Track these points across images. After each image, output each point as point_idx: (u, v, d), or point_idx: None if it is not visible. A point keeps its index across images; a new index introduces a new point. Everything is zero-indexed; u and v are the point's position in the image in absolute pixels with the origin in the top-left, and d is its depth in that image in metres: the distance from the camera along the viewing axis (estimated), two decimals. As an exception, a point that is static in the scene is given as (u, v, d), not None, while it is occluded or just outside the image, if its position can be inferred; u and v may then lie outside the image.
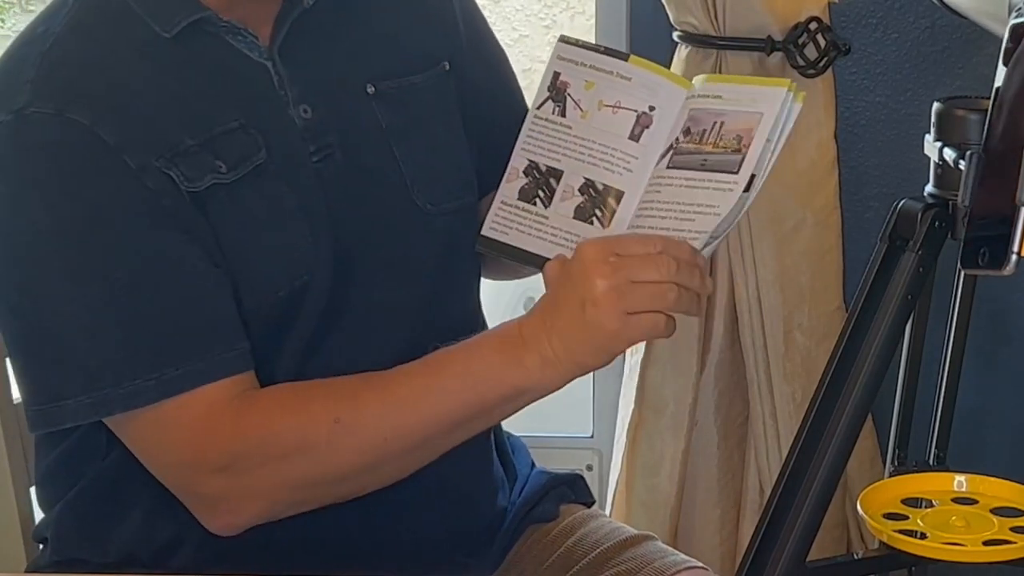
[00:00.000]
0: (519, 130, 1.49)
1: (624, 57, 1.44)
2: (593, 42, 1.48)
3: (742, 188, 1.33)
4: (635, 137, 1.40)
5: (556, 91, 1.46)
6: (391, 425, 1.35)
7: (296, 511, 1.39)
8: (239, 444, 1.34)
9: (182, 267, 1.34)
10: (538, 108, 1.46)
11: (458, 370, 1.35)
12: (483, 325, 1.58)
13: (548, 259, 1.39)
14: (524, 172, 1.46)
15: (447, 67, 1.52)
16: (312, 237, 1.39)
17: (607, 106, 1.42)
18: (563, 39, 1.48)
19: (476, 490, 1.55)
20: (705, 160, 1.35)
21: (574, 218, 1.42)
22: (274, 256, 1.38)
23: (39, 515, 1.58)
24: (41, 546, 1.56)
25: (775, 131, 1.34)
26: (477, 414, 1.36)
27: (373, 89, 1.46)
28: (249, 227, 1.37)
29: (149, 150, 1.33)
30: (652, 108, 1.40)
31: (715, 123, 1.37)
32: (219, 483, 1.36)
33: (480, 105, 1.56)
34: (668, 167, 1.38)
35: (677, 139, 1.38)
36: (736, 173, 1.33)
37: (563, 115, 1.44)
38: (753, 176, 1.33)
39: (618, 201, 1.40)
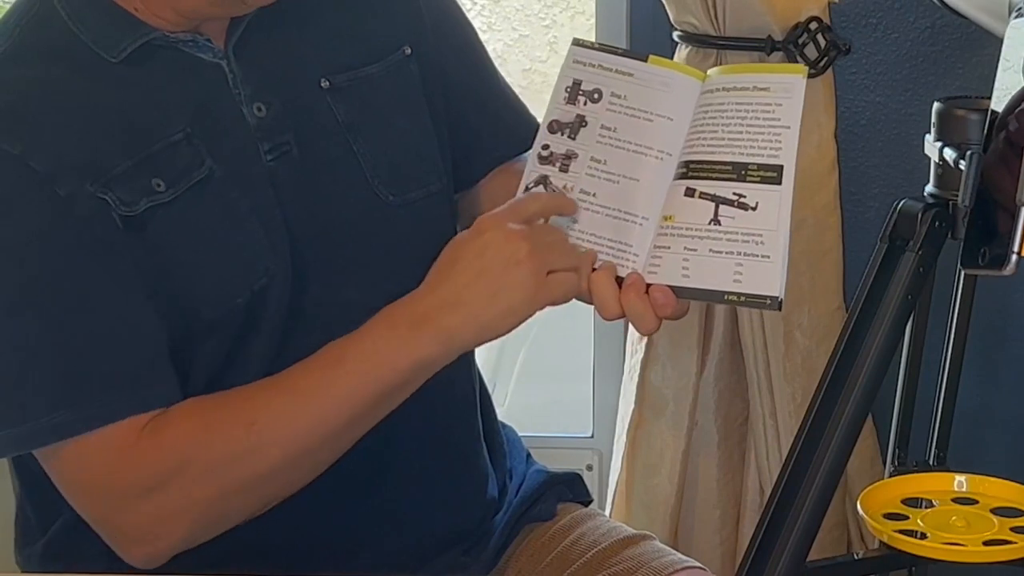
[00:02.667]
0: (492, 110, 1.47)
1: (643, 58, 1.41)
2: (610, 44, 1.45)
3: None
4: (655, 142, 1.39)
5: (575, 98, 1.42)
6: (302, 419, 1.34)
7: (218, 530, 1.38)
8: (160, 465, 1.34)
9: (111, 300, 1.33)
10: (550, 123, 1.42)
11: (356, 354, 1.33)
12: None
13: None
14: (537, 182, 1.42)
15: (408, 52, 1.51)
16: (267, 239, 1.39)
17: (626, 110, 1.40)
18: (577, 42, 1.44)
19: (463, 481, 1.55)
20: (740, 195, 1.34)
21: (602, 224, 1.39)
22: (228, 264, 1.38)
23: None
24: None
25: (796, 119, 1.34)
26: (384, 395, 1.34)
27: (328, 83, 1.45)
28: (194, 240, 1.36)
29: (82, 176, 1.32)
30: (671, 115, 1.38)
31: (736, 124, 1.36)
32: (143, 510, 1.34)
33: (449, 88, 1.54)
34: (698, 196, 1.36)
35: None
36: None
37: (583, 125, 1.41)
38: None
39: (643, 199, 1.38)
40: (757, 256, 1.33)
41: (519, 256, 1.30)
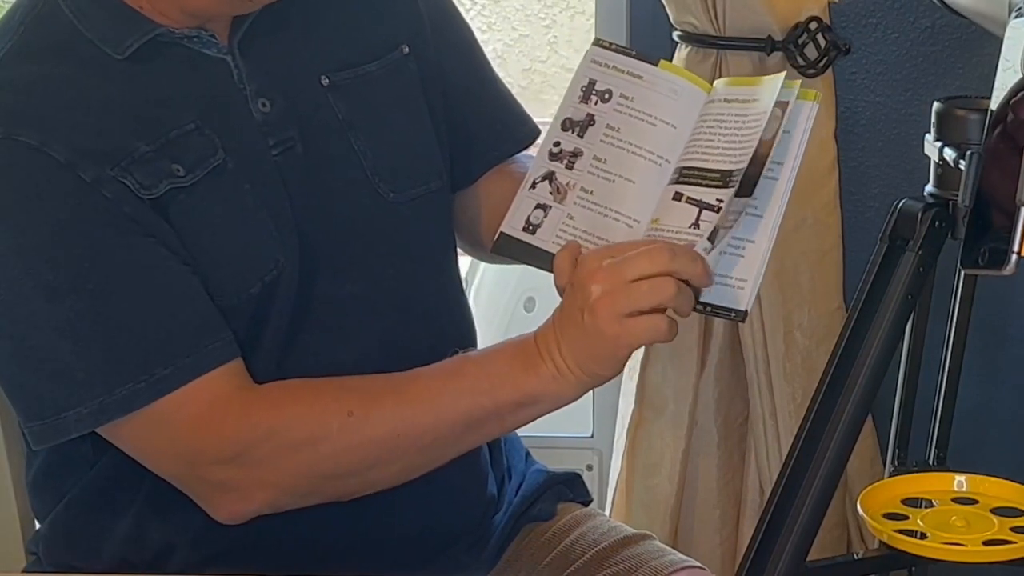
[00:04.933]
0: (492, 111, 1.46)
1: (654, 62, 1.41)
2: (626, 46, 1.44)
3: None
4: (655, 146, 1.39)
5: (588, 97, 1.42)
6: (403, 421, 1.34)
7: (303, 503, 1.39)
8: (248, 433, 1.34)
9: (152, 268, 1.34)
10: (563, 120, 1.42)
11: (473, 372, 1.35)
12: (464, 305, 1.57)
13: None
14: (544, 177, 1.42)
15: (406, 50, 1.51)
16: (277, 232, 1.39)
17: (632, 112, 1.40)
18: (597, 42, 1.44)
19: (464, 480, 1.55)
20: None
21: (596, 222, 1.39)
22: (240, 254, 1.38)
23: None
24: (34, 557, 1.56)
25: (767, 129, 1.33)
26: (489, 417, 1.35)
27: (328, 81, 1.45)
28: (212, 228, 1.37)
29: (102, 162, 1.32)
30: (675, 122, 1.38)
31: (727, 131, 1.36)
32: (227, 472, 1.35)
33: (448, 88, 1.55)
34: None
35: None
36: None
37: (591, 124, 1.41)
38: (734, 172, 1.32)
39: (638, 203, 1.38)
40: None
41: (590, 301, 1.29)
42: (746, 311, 1.32)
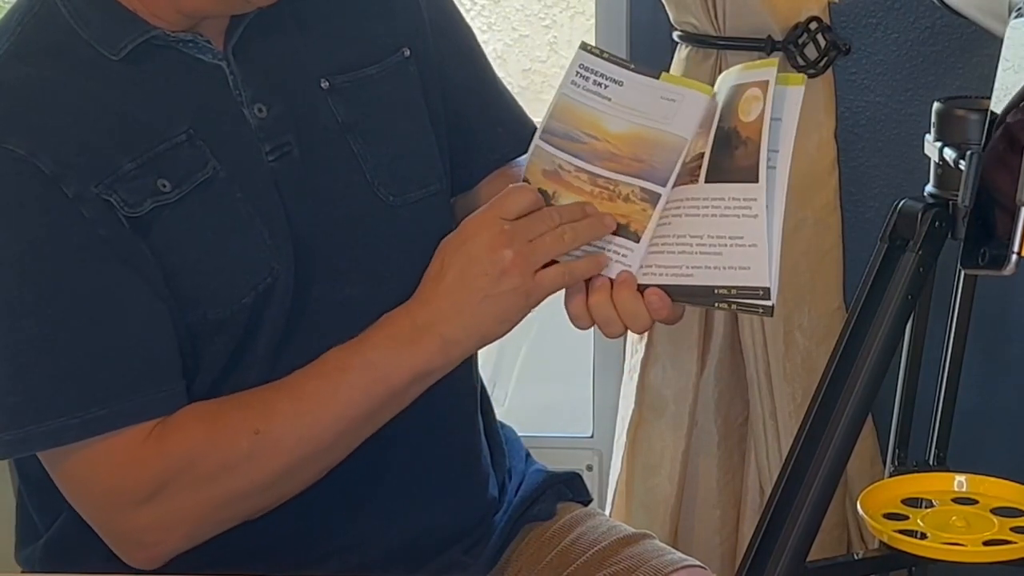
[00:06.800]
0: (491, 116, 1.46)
1: (655, 75, 1.41)
2: (619, 56, 1.44)
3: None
4: (660, 161, 1.39)
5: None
6: (306, 427, 1.35)
7: (218, 531, 1.38)
8: (164, 471, 1.34)
9: (117, 303, 1.33)
10: (543, 131, 1.43)
11: (358, 364, 1.36)
12: None
13: None
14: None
15: (407, 53, 1.51)
16: (271, 239, 1.39)
17: (631, 123, 1.40)
18: (585, 47, 1.44)
19: (465, 481, 1.55)
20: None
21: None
22: (233, 264, 1.38)
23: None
24: (30, 567, 1.55)
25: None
26: (385, 402, 1.37)
27: (327, 84, 1.45)
28: (202, 241, 1.36)
29: (88, 177, 1.32)
30: (680, 132, 1.38)
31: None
32: (145, 514, 1.35)
33: (448, 90, 1.55)
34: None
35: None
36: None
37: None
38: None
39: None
40: (743, 245, 1.32)
41: (504, 264, 1.34)
42: (772, 305, 1.31)
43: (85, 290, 1.32)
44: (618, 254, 1.38)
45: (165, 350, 1.35)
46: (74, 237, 1.31)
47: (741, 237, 1.32)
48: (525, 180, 1.42)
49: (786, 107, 1.34)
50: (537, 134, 1.43)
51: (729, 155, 1.34)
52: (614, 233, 1.38)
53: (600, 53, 1.43)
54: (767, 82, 1.33)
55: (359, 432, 1.38)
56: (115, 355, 1.33)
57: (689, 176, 1.36)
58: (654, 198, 1.38)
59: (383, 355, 1.36)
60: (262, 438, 1.34)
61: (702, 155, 1.35)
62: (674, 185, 1.37)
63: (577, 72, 1.43)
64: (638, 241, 1.37)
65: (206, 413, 1.36)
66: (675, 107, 1.39)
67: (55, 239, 1.31)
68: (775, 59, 1.39)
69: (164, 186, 1.34)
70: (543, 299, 1.37)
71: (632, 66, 1.42)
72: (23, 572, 1.56)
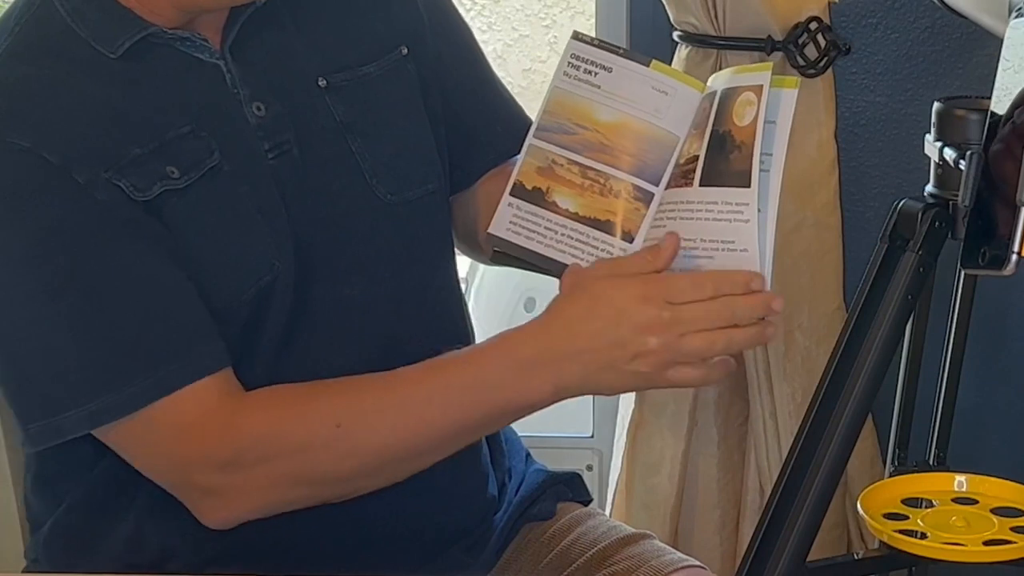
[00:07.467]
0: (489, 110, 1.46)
1: (646, 62, 1.41)
2: (610, 42, 1.44)
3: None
4: (652, 150, 1.39)
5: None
6: (392, 432, 1.35)
7: (291, 508, 1.39)
8: (238, 441, 1.34)
9: (144, 274, 1.33)
10: (537, 128, 1.43)
11: (467, 381, 1.35)
12: (461, 302, 1.58)
13: (567, 266, 1.39)
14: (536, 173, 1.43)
15: (405, 51, 1.51)
16: (272, 236, 1.39)
17: (621, 112, 1.40)
18: (577, 36, 1.44)
19: (465, 480, 1.55)
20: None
21: (589, 225, 1.40)
22: (235, 258, 1.38)
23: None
24: (34, 560, 1.55)
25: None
26: (481, 426, 1.37)
27: (325, 83, 1.45)
28: (207, 231, 1.37)
29: (96, 164, 1.32)
30: (672, 129, 1.39)
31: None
32: (216, 479, 1.36)
33: (447, 89, 1.55)
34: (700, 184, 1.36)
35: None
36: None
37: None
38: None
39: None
40: (735, 249, 1.33)
41: (644, 350, 1.30)
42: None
43: (110, 265, 1.33)
44: (611, 255, 1.38)
45: (199, 312, 1.35)
46: (92, 219, 1.32)
47: (733, 242, 1.32)
48: (518, 180, 1.42)
49: (780, 110, 1.34)
50: (531, 132, 1.44)
51: (723, 159, 1.34)
52: (610, 232, 1.38)
53: (591, 40, 1.43)
54: (762, 86, 1.33)
55: (445, 447, 1.37)
56: (152, 321, 1.33)
57: (683, 179, 1.36)
58: (647, 197, 1.38)
59: (494, 379, 1.34)
60: (343, 432, 1.34)
61: (696, 158, 1.35)
62: (668, 187, 1.37)
63: (569, 62, 1.43)
64: (631, 242, 1.37)
65: (293, 393, 1.37)
66: (667, 101, 1.39)
67: (73, 222, 1.32)
68: (770, 63, 1.39)
69: (172, 172, 1.35)
70: (663, 387, 1.34)
71: (621, 51, 1.42)
72: (26, 569, 1.57)
